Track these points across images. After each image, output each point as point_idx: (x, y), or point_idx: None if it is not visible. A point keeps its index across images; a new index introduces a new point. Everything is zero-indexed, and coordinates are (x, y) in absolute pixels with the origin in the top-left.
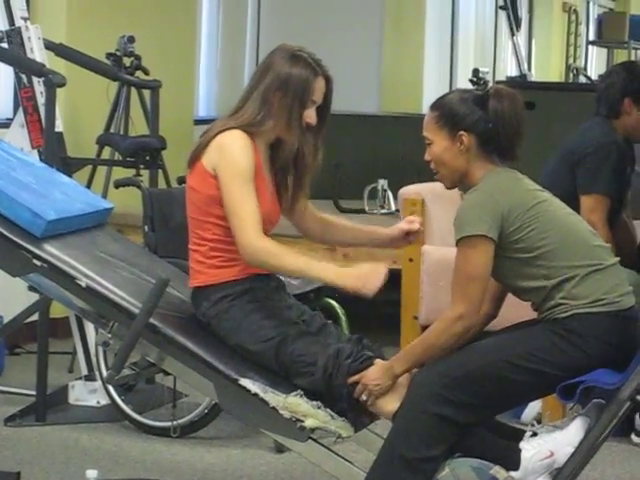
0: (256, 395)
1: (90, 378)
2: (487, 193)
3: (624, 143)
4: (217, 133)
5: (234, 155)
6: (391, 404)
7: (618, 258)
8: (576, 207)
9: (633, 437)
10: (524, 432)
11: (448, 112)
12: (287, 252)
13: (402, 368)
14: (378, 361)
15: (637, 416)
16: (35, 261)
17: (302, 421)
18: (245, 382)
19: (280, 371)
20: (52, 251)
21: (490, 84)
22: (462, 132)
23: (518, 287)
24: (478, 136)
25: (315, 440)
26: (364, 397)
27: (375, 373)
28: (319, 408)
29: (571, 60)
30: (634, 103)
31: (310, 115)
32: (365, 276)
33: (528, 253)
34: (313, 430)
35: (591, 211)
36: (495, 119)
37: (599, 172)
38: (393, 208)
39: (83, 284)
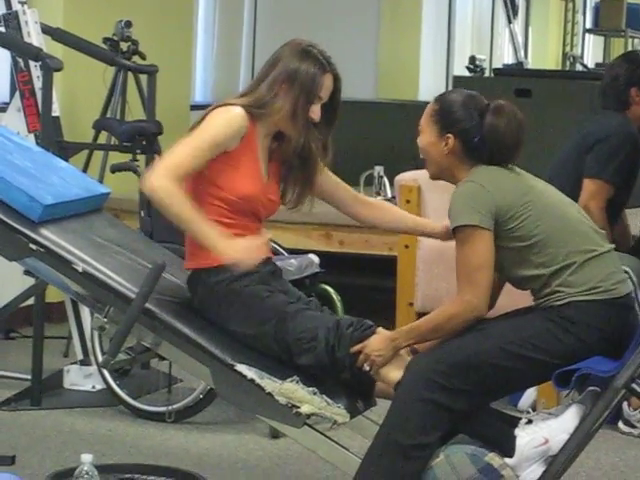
0: (252, 381)
1: (85, 363)
2: (478, 184)
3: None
4: (215, 107)
5: (214, 121)
6: (394, 372)
7: (613, 245)
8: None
9: (620, 425)
10: (519, 419)
11: (445, 111)
12: (184, 202)
13: (406, 342)
14: (380, 329)
15: (625, 405)
16: (32, 245)
17: (298, 407)
18: (241, 368)
19: (280, 351)
20: (49, 235)
21: (487, 71)
22: (449, 135)
23: (517, 276)
24: (464, 144)
25: (310, 426)
26: (367, 367)
27: (378, 343)
28: (315, 394)
29: (568, 48)
30: None
31: (314, 111)
32: (245, 249)
33: (524, 241)
34: (309, 416)
35: (591, 197)
36: (488, 134)
37: (610, 160)
38: (389, 195)
39: (79, 269)
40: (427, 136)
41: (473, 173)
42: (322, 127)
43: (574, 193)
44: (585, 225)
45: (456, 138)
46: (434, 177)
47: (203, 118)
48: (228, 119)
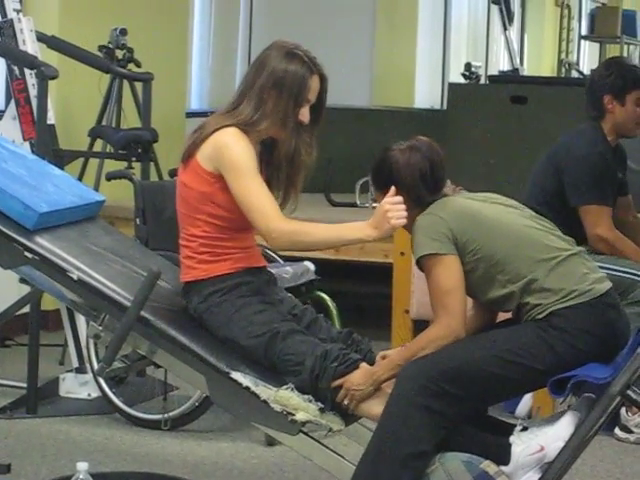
0: (247, 388)
1: (81, 370)
2: (433, 214)
3: (611, 149)
4: (213, 131)
5: (235, 152)
6: (376, 407)
7: (581, 248)
8: (559, 204)
9: (617, 432)
10: (514, 426)
11: (382, 179)
12: (314, 226)
13: (387, 375)
14: (363, 365)
15: (623, 411)
16: (27, 253)
17: (293, 414)
18: (236, 375)
19: (269, 367)
20: (44, 243)
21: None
22: (398, 189)
23: (490, 299)
24: (408, 192)
25: (306, 433)
26: (346, 402)
27: (358, 378)
28: (310, 402)
29: (563, 55)
30: (614, 99)
31: (304, 114)
32: (387, 212)
33: (488, 262)
34: (304, 423)
35: (595, 225)
36: (394, 172)
37: (589, 183)
38: None
39: (75, 277)
40: (407, 217)
41: (430, 206)
42: (308, 127)
43: (551, 204)
44: (541, 235)
45: (402, 190)
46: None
47: (201, 141)
48: (241, 143)
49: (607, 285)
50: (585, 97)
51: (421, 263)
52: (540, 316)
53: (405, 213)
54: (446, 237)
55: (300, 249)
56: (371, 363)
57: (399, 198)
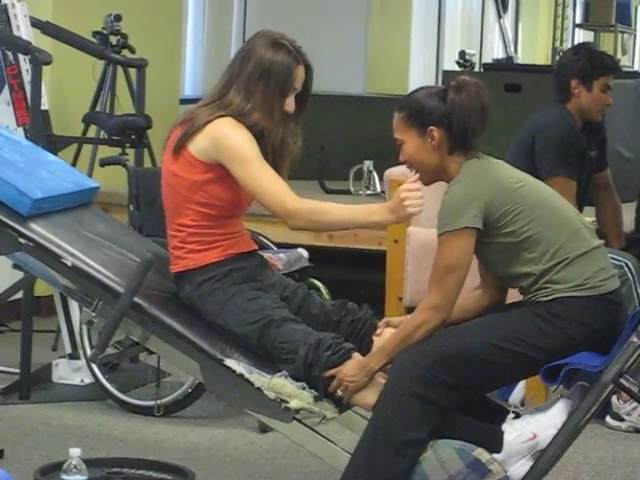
0: (241, 376)
1: (74, 357)
2: (468, 184)
3: (578, 129)
4: (207, 122)
5: (239, 141)
6: (370, 397)
7: (602, 241)
8: None
9: (609, 419)
10: (508, 410)
11: (414, 110)
12: (332, 206)
13: (379, 364)
14: (356, 355)
15: (614, 399)
16: (21, 239)
17: (287, 402)
18: (230, 363)
19: (261, 353)
20: (38, 230)
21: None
22: (431, 127)
23: (507, 274)
24: (447, 129)
25: (299, 421)
26: (339, 392)
27: (351, 369)
28: (304, 389)
29: (558, 43)
30: (581, 83)
31: (289, 103)
32: (405, 199)
33: (515, 238)
34: (297, 411)
35: None
36: (452, 111)
37: (556, 154)
38: (378, 189)
39: (68, 263)
40: (410, 143)
41: (463, 170)
42: (293, 116)
43: None
44: (576, 221)
45: (439, 127)
46: (429, 183)
47: (193, 132)
48: (237, 131)
49: (616, 284)
50: (552, 80)
51: (440, 236)
52: (544, 299)
53: (423, 201)
54: (476, 210)
55: (317, 229)
56: (372, 331)
57: (416, 185)
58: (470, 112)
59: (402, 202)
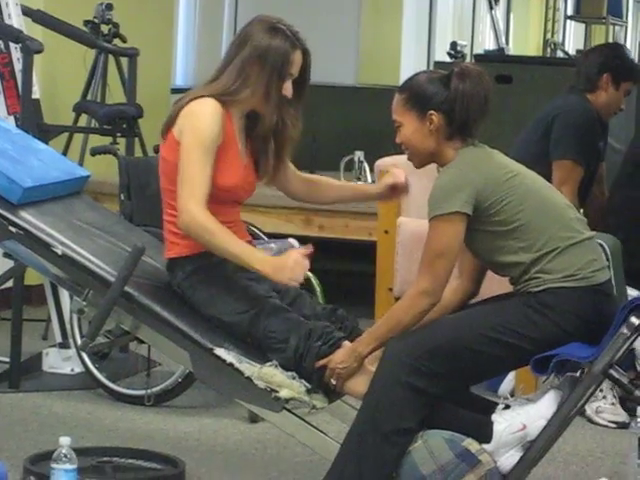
0: (231, 365)
1: (64, 345)
2: (460, 170)
3: (597, 118)
4: (189, 101)
5: (199, 122)
6: (361, 385)
7: (594, 232)
8: (540, 174)
9: (587, 410)
10: (497, 404)
11: (416, 93)
12: (225, 233)
13: (367, 348)
14: (345, 343)
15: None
16: (11, 228)
17: (277, 391)
18: (220, 352)
19: (252, 342)
20: (28, 218)
21: (467, 58)
22: (431, 112)
23: (496, 262)
24: (447, 115)
25: (289, 410)
26: (333, 381)
27: (341, 356)
28: (294, 379)
29: (549, 35)
30: (612, 80)
31: (287, 88)
32: (291, 269)
33: (505, 226)
34: (287, 400)
35: (563, 181)
36: (455, 98)
37: (572, 138)
38: (369, 180)
39: (59, 251)
40: (408, 125)
41: (459, 157)
42: (293, 102)
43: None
44: (567, 212)
45: (438, 112)
46: (420, 166)
47: (177, 114)
48: (209, 115)
49: (607, 275)
50: (578, 69)
51: (431, 219)
52: (535, 289)
53: (302, 276)
54: (467, 196)
55: (198, 242)
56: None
57: (307, 254)
58: (473, 100)
59: (288, 266)
